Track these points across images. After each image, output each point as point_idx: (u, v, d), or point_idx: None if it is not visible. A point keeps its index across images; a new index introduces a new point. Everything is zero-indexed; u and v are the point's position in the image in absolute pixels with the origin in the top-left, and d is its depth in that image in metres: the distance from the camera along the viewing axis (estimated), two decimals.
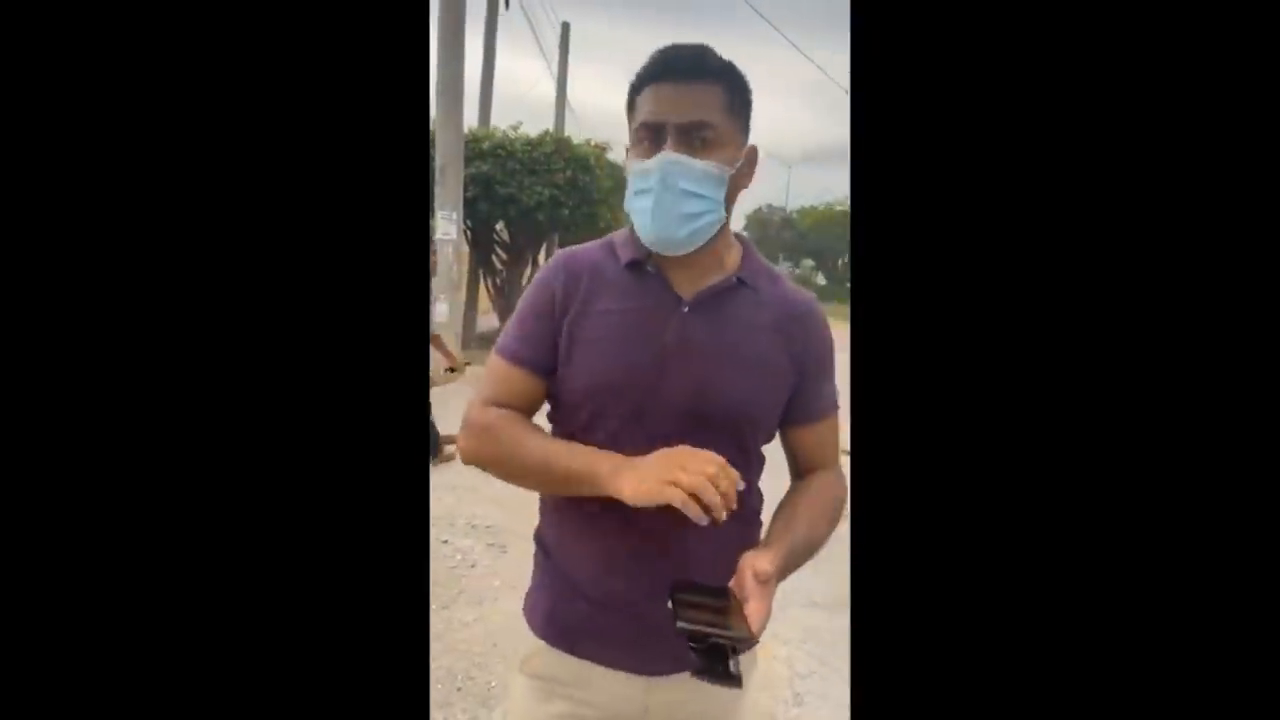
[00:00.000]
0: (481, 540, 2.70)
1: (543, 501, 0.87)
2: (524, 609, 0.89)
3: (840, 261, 27.80)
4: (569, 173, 7.38)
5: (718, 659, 0.61)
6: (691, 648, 0.63)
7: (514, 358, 0.81)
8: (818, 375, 0.85)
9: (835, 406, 0.88)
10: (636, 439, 0.74)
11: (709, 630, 0.62)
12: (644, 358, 0.77)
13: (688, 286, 0.80)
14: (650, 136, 0.76)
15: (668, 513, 0.68)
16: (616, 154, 8.26)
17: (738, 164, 0.79)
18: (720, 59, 0.77)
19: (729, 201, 0.79)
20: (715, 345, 0.78)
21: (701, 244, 0.78)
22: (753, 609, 0.67)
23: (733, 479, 0.65)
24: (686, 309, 0.79)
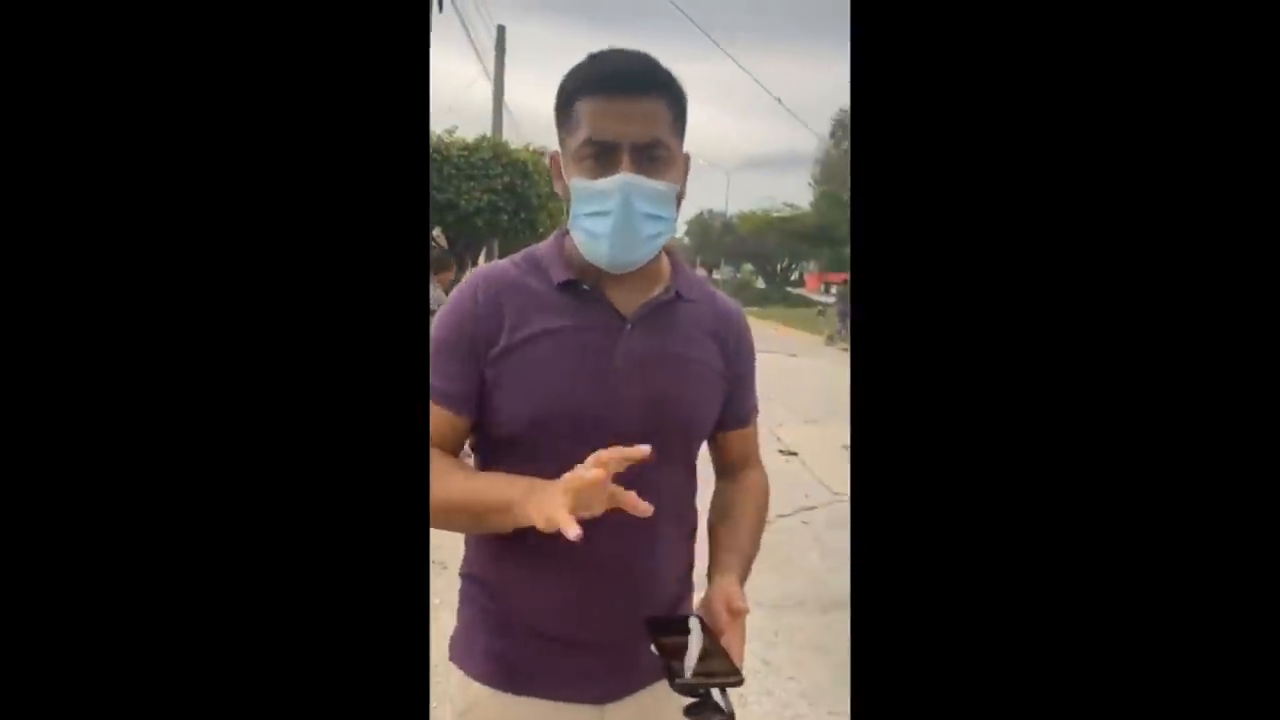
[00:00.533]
0: None
1: (470, 536, 0.83)
2: (453, 655, 0.82)
3: (779, 266, 28.42)
4: (507, 178, 7.26)
5: (708, 699, 0.63)
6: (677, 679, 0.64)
7: (434, 393, 0.74)
8: (747, 380, 0.87)
9: (757, 411, 0.91)
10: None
11: (706, 682, 0.63)
12: (593, 381, 0.74)
13: (628, 303, 0.77)
14: (600, 154, 0.71)
15: (615, 538, 0.67)
16: None
17: (682, 178, 0.77)
18: (664, 70, 0.74)
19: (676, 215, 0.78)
20: (662, 360, 0.77)
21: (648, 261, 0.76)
22: (732, 642, 0.68)
23: (595, 475, 0.61)
24: (631, 326, 0.76)
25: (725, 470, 0.91)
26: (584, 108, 0.72)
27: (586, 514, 0.63)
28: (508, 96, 11.96)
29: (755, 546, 0.83)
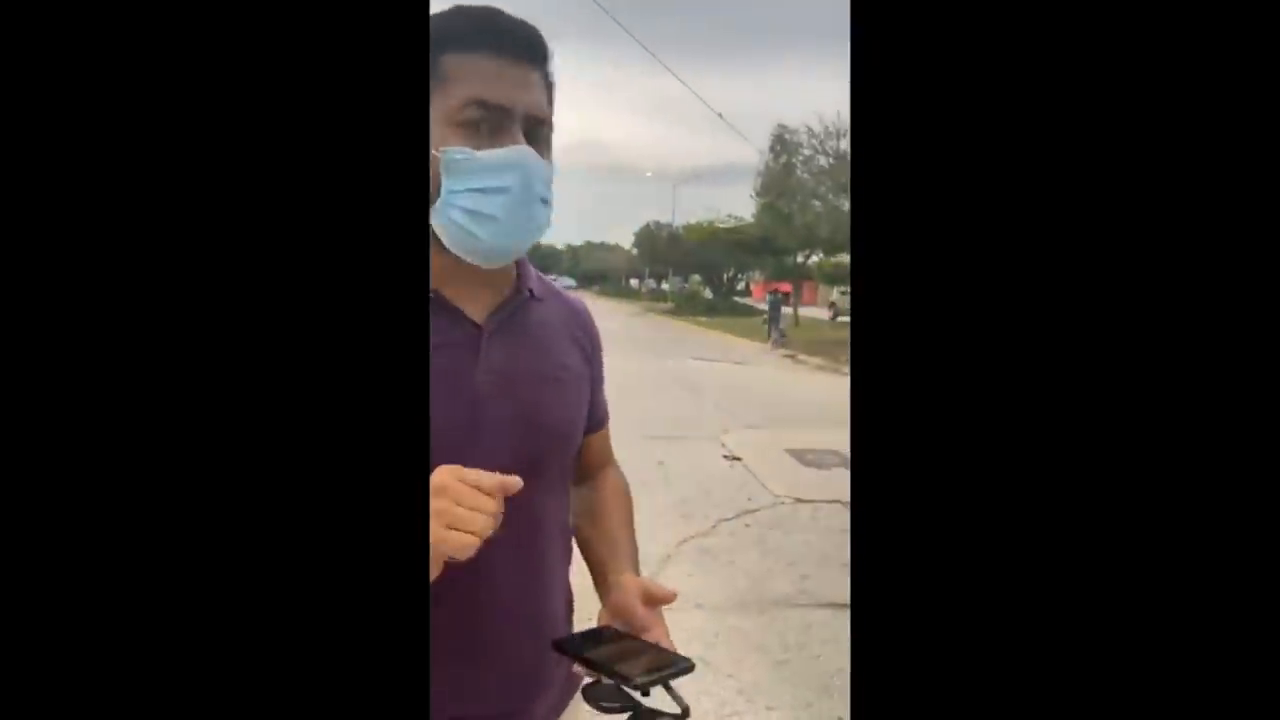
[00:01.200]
0: None
1: None
2: None
3: (725, 276, 28.86)
4: None
5: (642, 702, 0.58)
6: (608, 694, 0.59)
7: None
8: (600, 381, 0.80)
9: (608, 409, 0.84)
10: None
11: (659, 676, 0.57)
12: (454, 409, 0.63)
13: (478, 308, 0.67)
14: (490, 120, 0.60)
15: (501, 565, 0.61)
16: None
17: None
18: (547, 45, 0.65)
19: None
20: (525, 371, 0.68)
21: None
22: (658, 634, 0.63)
23: (481, 481, 0.55)
24: (487, 336, 0.66)
25: (584, 473, 0.82)
26: (465, 64, 0.60)
27: (466, 541, 0.53)
28: None
29: (634, 545, 0.78)
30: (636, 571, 0.74)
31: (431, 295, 0.63)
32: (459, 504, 0.53)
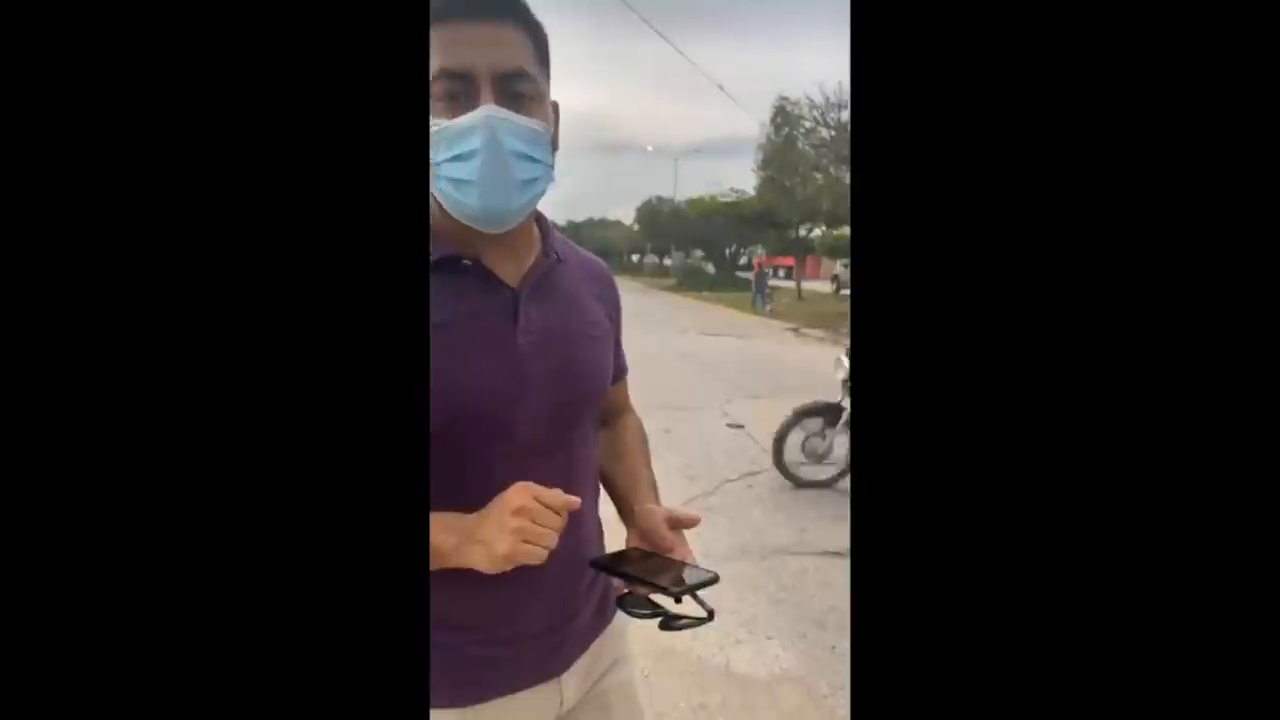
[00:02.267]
0: None
1: None
2: None
3: (728, 251, 28.79)
4: None
5: (669, 609, 0.64)
6: (639, 603, 0.65)
7: None
8: (619, 335, 0.86)
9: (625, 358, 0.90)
10: (509, 454, 0.67)
11: (690, 586, 0.62)
12: (499, 370, 0.67)
13: (511, 273, 0.70)
14: (456, 89, 0.61)
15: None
16: None
17: (551, 124, 0.68)
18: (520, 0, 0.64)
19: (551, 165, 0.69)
20: (561, 329, 0.72)
21: (527, 216, 0.68)
22: (684, 553, 0.68)
23: (553, 501, 0.61)
24: (523, 300, 0.69)
25: (606, 418, 0.88)
26: (435, 36, 0.61)
27: (537, 553, 0.60)
28: None
29: (654, 479, 0.83)
30: (657, 501, 0.79)
31: (468, 262, 0.67)
32: (535, 521, 0.59)
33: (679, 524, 0.71)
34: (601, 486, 0.84)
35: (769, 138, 17.16)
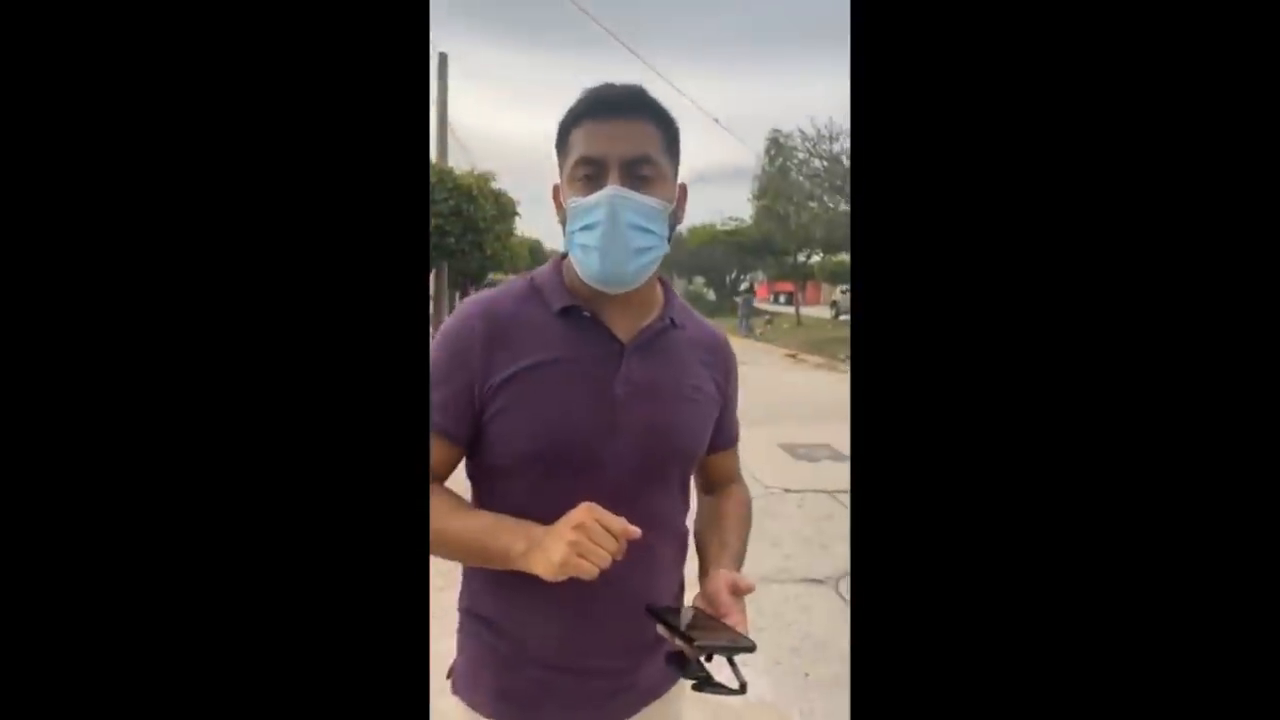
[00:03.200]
0: None
1: (471, 573, 0.83)
2: (457, 689, 0.83)
3: (728, 278, 28.98)
4: (452, 203, 7.46)
5: (706, 677, 0.65)
6: (684, 661, 0.65)
7: (430, 424, 0.75)
8: (733, 404, 0.91)
9: (739, 430, 0.94)
10: (592, 492, 0.71)
11: (719, 645, 0.64)
12: (595, 410, 0.75)
13: (625, 328, 0.79)
14: (590, 172, 0.74)
15: (614, 564, 0.68)
16: (501, 182, 8.41)
17: (674, 200, 0.79)
18: (653, 98, 0.77)
19: (669, 237, 0.79)
20: (661, 386, 0.79)
21: (644, 280, 0.77)
22: (736, 620, 0.69)
23: (612, 525, 0.66)
24: (629, 353, 0.78)
25: (711, 486, 0.94)
26: (577, 133, 0.75)
27: (587, 568, 0.64)
28: (453, 119, 12.19)
29: (743, 547, 0.86)
30: (738, 569, 0.81)
31: (588, 314, 0.78)
32: (590, 538, 0.65)
33: (738, 590, 0.73)
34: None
35: (764, 168, 17.47)
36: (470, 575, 0.84)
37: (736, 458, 0.96)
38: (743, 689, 0.64)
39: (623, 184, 0.73)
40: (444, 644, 0.85)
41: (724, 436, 0.90)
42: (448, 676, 0.85)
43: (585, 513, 0.67)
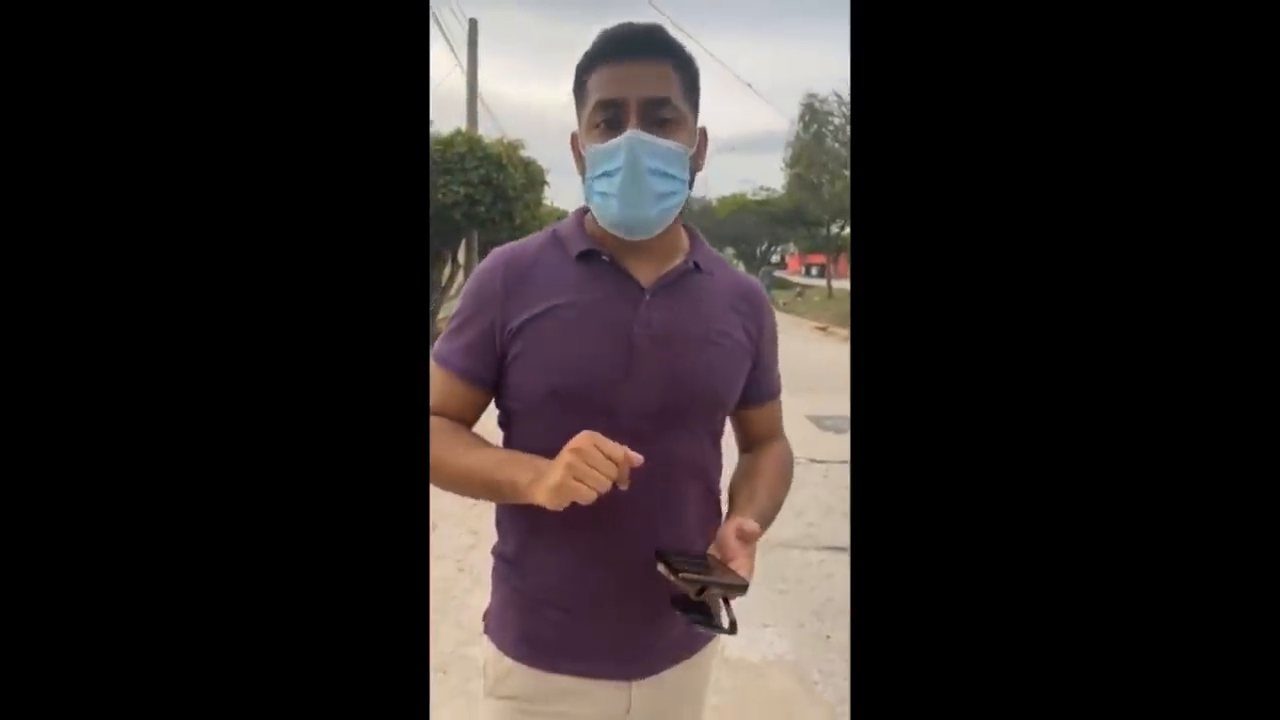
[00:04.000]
0: None
1: (500, 515, 0.84)
2: (487, 629, 0.84)
3: (759, 249, 28.64)
4: (482, 171, 7.48)
5: (712, 610, 0.65)
6: (687, 603, 0.65)
7: (453, 367, 0.78)
8: (770, 356, 0.87)
9: (780, 387, 0.91)
10: (609, 436, 0.70)
11: (710, 580, 0.64)
12: (611, 353, 0.74)
13: (646, 274, 0.78)
14: (609, 117, 0.73)
15: (633, 507, 0.69)
16: (531, 150, 8.40)
17: (694, 145, 0.77)
18: (671, 38, 0.75)
19: (690, 183, 0.77)
20: (682, 331, 0.77)
21: (666, 226, 0.76)
22: (740, 565, 0.69)
23: (612, 451, 0.65)
24: (649, 296, 0.76)
25: (749, 445, 0.91)
26: (594, 77, 0.73)
27: (590, 490, 0.64)
28: (482, 87, 12.14)
29: (773, 503, 0.83)
30: (761, 522, 0.78)
31: (606, 258, 0.77)
32: (587, 461, 0.64)
33: (745, 536, 0.72)
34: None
35: (798, 135, 17.07)
36: (499, 518, 0.84)
37: (777, 413, 0.92)
38: (732, 628, 0.66)
39: (642, 127, 0.72)
40: (478, 595, 0.88)
41: (760, 389, 0.86)
42: (483, 618, 0.86)
43: (585, 439, 0.66)
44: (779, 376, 0.90)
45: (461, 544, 2.71)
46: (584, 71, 0.75)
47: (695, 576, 0.64)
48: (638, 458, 0.66)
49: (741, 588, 0.66)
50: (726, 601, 0.66)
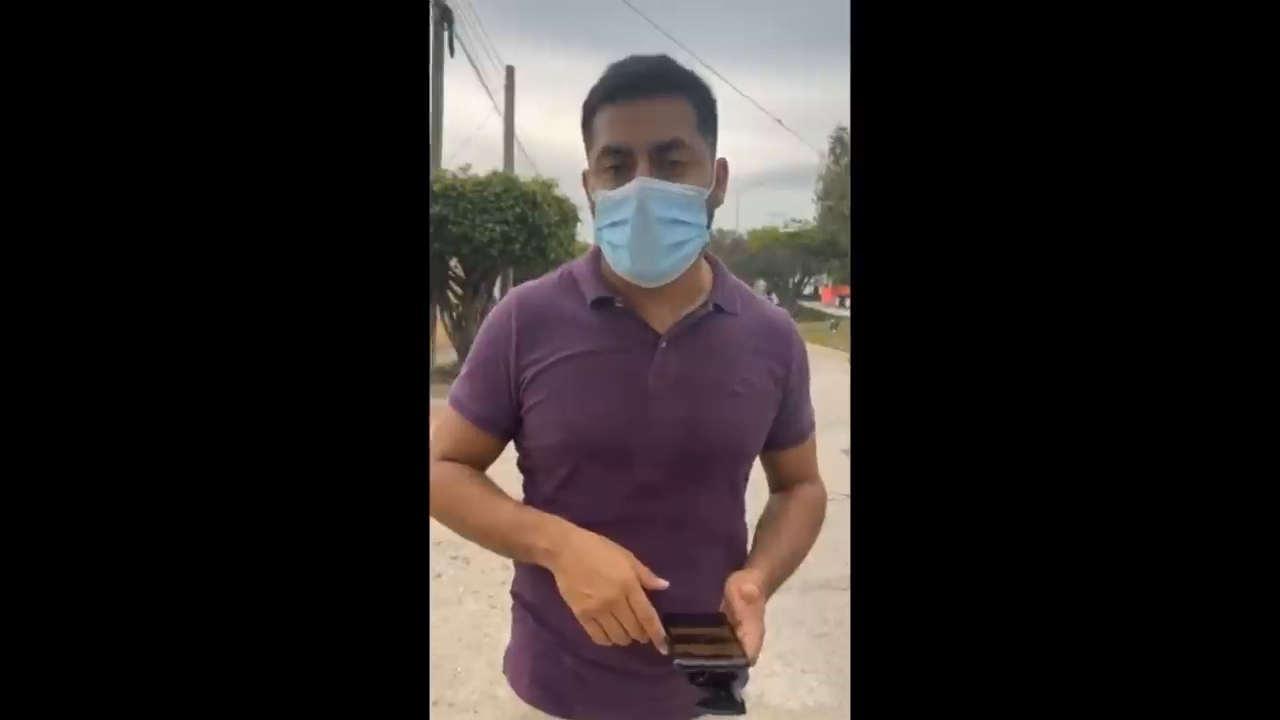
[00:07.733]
0: (444, 555, 2.91)
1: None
2: (505, 670, 0.83)
3: (791, 281, 28.59)
4: (518, 209, 7.68)
5: (721, 688, 0.62)
6: (694, 682, 0.62)
7: (467, 413, 0.77)
8: (800, 395, 0.83)
9: (813, 425, 0.87)
10: (624, 489, 0.71)
11: (707, 664, 0.62)
12: (625, 404, 0.72)
13: (662, 319, 0.75)
14: (617, 162, 0.69)
15: (648, 561, 0.68)
16: (564, 188, 8.59)
17: (712, 182, 0.73)
18: (682, 69, 0.71)
19: (708, 222, 0.74)
20: (700, 380, 0.74)
21: (681, 273, 0.73)
22: (746, 630, 0.65)
23: (642, 614, 0.64)
24: (665, 345, 0.73)
25: (779, 486, 0.88)
26: (601, 118, 0.70)
27: (598, 636, 0.66)
28: (519, 129, 12.53)
29: (792, 552, 0.79)
30: (778, 571, 0.76)
31: (620, 305, 0.74)
32: (614, 615, 0.65)
33: (745, 597, 0.68)
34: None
35: (828, 168, 17.15)
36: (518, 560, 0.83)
37: (808, 455, 0.87)
38: (740, 709, 0.61)
39: (652, 173, 0.68)
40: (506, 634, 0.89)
41: (789, 432, 0.83)
42: (504, 659, 0.85)
43: (626, 589, 0.64)
44: (811, 415, 0.86)
45: (494, 579, 2.70)
46: (590, 111, 0.72)
47: (691, 663, 0.62)
48: (660, 632, 0.65)
49: (742, 669, 0.63)
50: (733, 678, 0.63)
